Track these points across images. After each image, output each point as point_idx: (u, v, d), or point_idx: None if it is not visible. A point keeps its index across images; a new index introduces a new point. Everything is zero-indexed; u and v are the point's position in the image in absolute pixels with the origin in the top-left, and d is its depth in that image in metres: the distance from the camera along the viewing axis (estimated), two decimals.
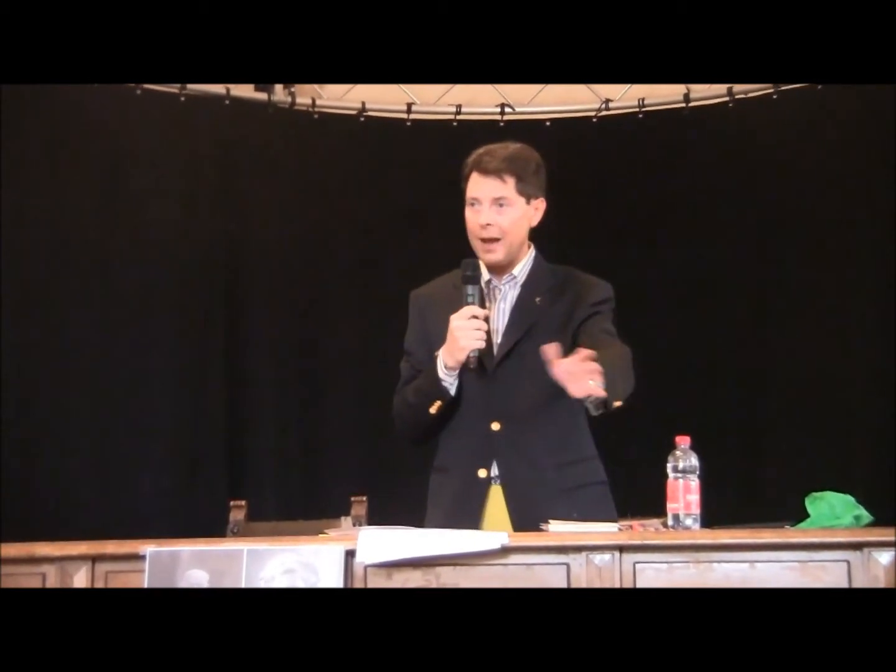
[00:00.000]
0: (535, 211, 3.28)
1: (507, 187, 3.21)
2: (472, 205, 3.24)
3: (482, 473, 3.17)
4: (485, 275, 3.27)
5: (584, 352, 2.91)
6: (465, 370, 3.18)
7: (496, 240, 3.21)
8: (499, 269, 3.28)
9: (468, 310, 3.12)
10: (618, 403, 3.00)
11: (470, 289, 3.16)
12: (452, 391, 3.17)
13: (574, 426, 3.24)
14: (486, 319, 3.15)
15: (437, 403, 3.18)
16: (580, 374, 2.88)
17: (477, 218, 3.22)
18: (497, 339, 3.24)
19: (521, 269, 3.29)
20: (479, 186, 3.22)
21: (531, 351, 3.11)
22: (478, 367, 3.17)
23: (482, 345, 3.11)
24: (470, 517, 3.08)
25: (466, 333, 3.10)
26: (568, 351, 3.11)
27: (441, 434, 3.27)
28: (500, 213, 3.21)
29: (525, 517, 3.02)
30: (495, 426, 3.18)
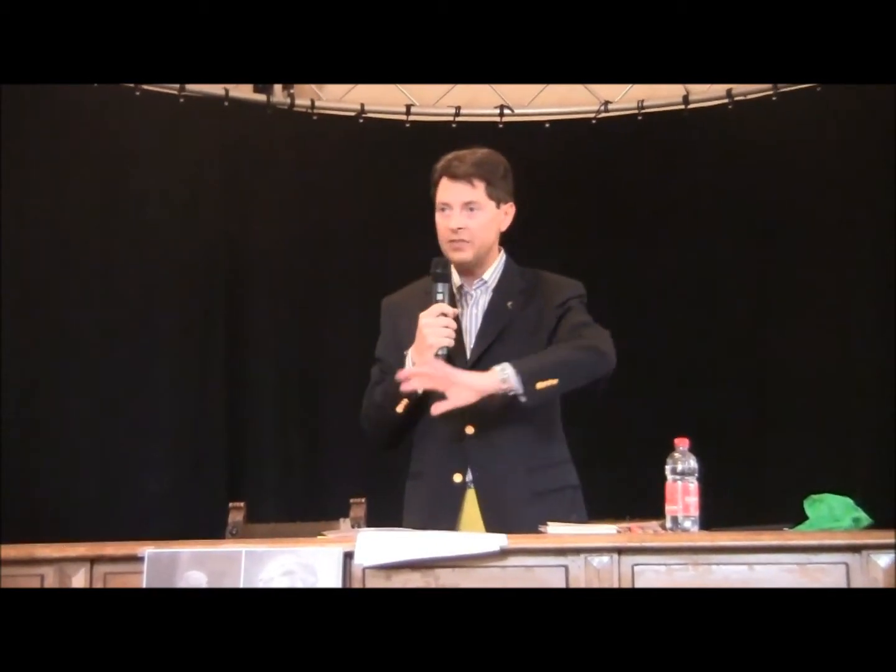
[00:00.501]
0: (504, 215, 3.29)
1: (476, 192, 3.22)
2: (443, 210, 3.25)
3: (457, 478, 3.18)
4: (456, 280, 3.28)
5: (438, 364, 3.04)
6: None
7: (465, 241, 3.22)
8: (469, 275, 3.29)
9: (437, 307, 3.12)
10: (545, 384, 3.03)
11: (440, 286, 3.15)
12: (420, 390, 3.16)
13: (547, 430, 3.25)
14: (456, 318, 3.15)
15: (404, 402, 3.17)
16: (451, 380, 3.02)
17: (447, 222, 3.23)
18: (470, 343, 3.24)
19: (492, 273, 3.30)
20: (449, 191, 3.24)
21: (504, 355, 3.12)
22: None
23: (450, 343, 3.10)
24: (446, 521, 3.07)
25: (435, 331, 3.09)
26: None
27: (415, 440, 3.28)
28: (471, 217, 3.22)
29: (497, 521, 3.02)
30: (469, 430, 3.18)
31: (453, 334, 3.11)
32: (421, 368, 3.07)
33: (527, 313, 3.25)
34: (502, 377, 3.03)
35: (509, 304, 3.27)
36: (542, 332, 3.21)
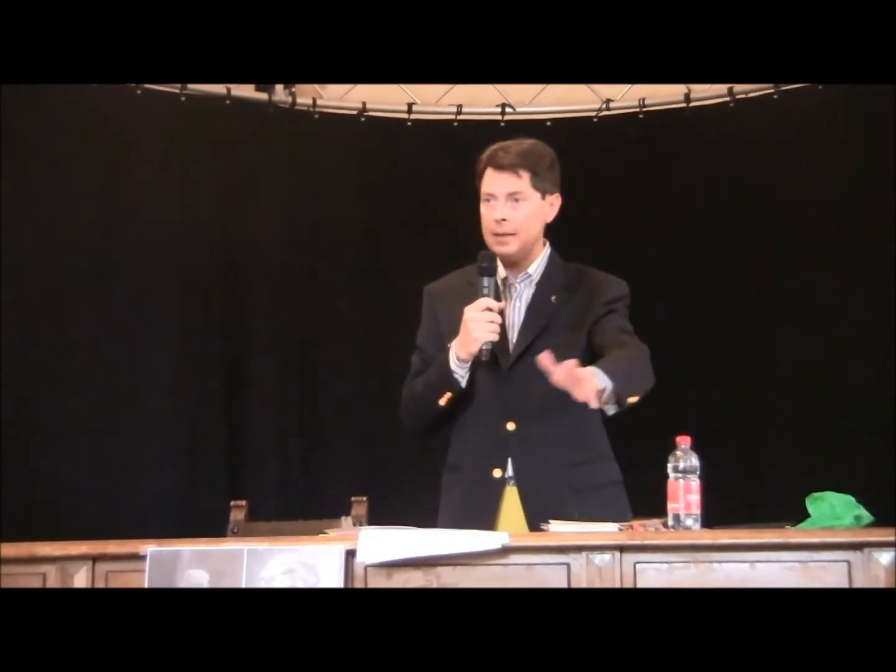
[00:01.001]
0: (550, 207, 3.29)
1: (522, 182, 3.22)
2: (488, 200, 3.23)
3: (497, 473, 3.17)
4: (501, 272, 3.26)
5: (572, 362, 2.90)
6: (479, 368, 3.17)
7: (510, 234, 3.20)
8: (514, 267, 3.28)
9: (483, 301, 3.11)
10: (632, 399, 3.02)
11: (486, 280, 3.14)
12: (463, 383, 3.16)
13: (589, 426, 3.24)
14: (501, 313, 3.14)
15: (447, 395, 3.17)
16: (578, 378, 2.88)
17: (492, 213, 3.21)
18: (513, 337, 3.23)
19: (536, 266, 3.29)
20: (494, 182, 3.22)
21: (546, 350, 3.06)
22: (493, 366, 3.17)
23: (495, 337, 3.10)
24: (484, 517, 3.08)
25: (480, 325, 3.08)
26: (583, 349, 3.12)
27: (454, 432, 3.26)
28: (516, 207, 3.21)
29: (540, 517, 2.99)
30: (510, 426, 3.18)
31: (498, 329, 3.10)
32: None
33: (570, 308, 3.25)
34: (600, 386, 2.92)
35: (553, 298, 3.26)
36: (583, 329, 3.20)
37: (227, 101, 5.35)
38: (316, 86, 5.56)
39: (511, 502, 3.16)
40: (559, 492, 3.13)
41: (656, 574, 2.61)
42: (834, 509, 2.72)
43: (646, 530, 2.80)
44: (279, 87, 5.48)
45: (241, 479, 5.15)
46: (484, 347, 3.09)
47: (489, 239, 3.23)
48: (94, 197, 5.16)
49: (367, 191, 5.44)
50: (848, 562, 2.57)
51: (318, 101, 5.52)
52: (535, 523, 3.01)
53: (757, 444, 5.18)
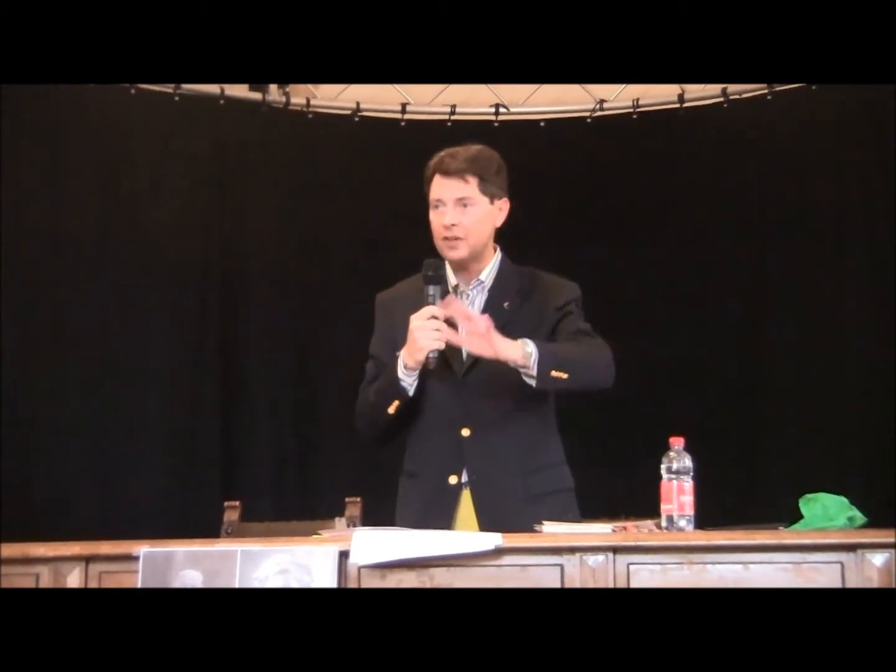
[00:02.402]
0: (499, 211, 3.28)
1: (469, 187, 3.22)
2: (437, 207, 3.24)
3: (453, 479, 3.17)
4: (452, 280, 3.27)
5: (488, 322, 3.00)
6: (433, 377, 3.17)
7: (460, 238, 3.21)
8: (465, 274, 3.28)
9: (428, 310, 3.10)
10: (558, 374, 3.03)
11: (431, 289, 3.14)
12: (411, 392, 3.15)
13: (543, 432, 3.25)
14: (448, 320, 3.13)
15: (395, 403, 3.16)
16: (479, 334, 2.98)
17: (441, 219, 3.22)
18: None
19: (488, 272, 3.29)
20: (442, 188, 3.23)
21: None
22: (447, 374, 3.18)
23: (441, 345, 3.09)
24: (440, 522, 3.06)
25: (425, 334, 3.07)
26: None
27: (409, 439, 3.27)
28: (464, 213, 3.21)
29: (493, 523, 2.99)
30: (465, 432, 3.18)
31: (444, 337, 3.09)
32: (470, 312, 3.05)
33: (524, 314, 3.24)
34: (526, 351, 3.01)
35: (506, 304, 3.25)
36: (541, 334, 3.19)
37: (221, 101, 5.35)
38: (310, 86, 5.57)
39: (467, 508, 3.16)
40: (513, 497, 3.14)
41: (650, 575, 2.61)
42: (827, 510, 2.73)
43: (639, 531, 2.80)
44: (273, 87, 5.49)
45: (235, 480, 5.16)
46: (430, 356, 3.08)
47: (439, 244, 3.24)
48: (91, 196, 5.16)
49: (361, 190, 5.44)
50: (841, 563, 2.57)
51: (312, 102, 5.53)
52: (487, 529, 2.98)
53: (750, 446, 5.19)
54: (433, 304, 3.12)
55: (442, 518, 3.11)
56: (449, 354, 3.16)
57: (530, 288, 3.29)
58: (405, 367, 3.13)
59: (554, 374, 3.04)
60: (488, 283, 3.29)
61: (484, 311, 3.24)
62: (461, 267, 3.28)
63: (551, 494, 3.21)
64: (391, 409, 3.17)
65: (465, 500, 3.17)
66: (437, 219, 3.24)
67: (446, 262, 3.27)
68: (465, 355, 3.21)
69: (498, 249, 3.33)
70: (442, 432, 3.20)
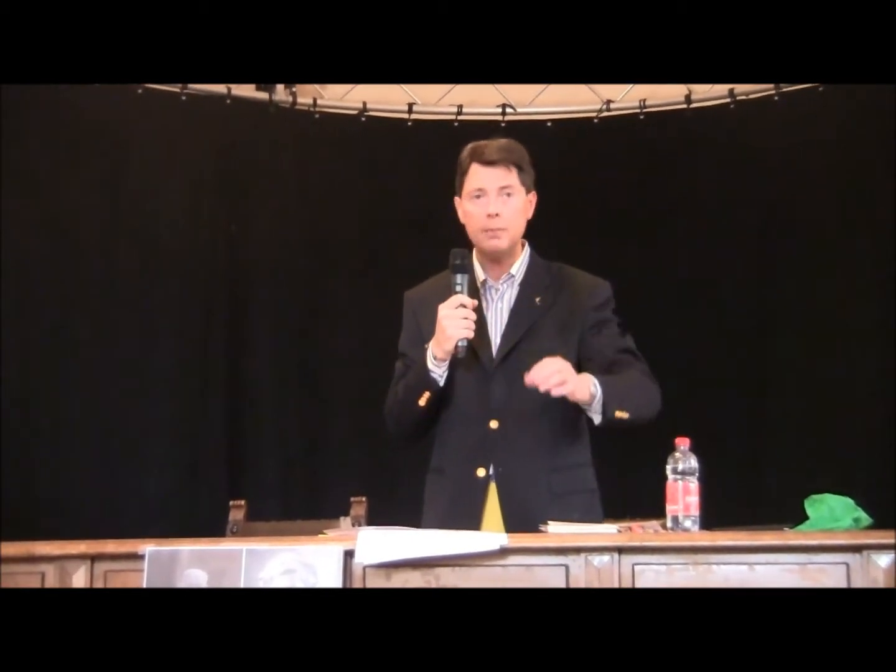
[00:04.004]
0: (529, 204, 3.26)
1: (511, 176, 3.19)
2: (478, 197, 3.19)
3: (481, 472, 3.15)
4: (480, 275, 3.25)
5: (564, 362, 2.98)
6: (462, 371, 3.15)
7: (503, 228, 3.18)
8: (496, 267, 3.25)
9: (456, 299, 3.08)
10: (621, 414, 3.03)
11: (459, 278, 3.11)
12: (441, 382, 3.13)
13: (571, 431, 3.22)
14: (478, 311, 3.12)
15: (426, 395, 3.14)
16: (549, 372, 2.94)
17: (484, 208, 3.17)
18: (496, 338, 3.20)
19: (519, 267, 3.26)
20: (484, 177, 3.18)
21: (532, 351, 3.10)
22: (476, 368, 3.15)
23: (471, 334, 3.06)
24: (469, 515, 3.06)
25: (454, 323, 3.05)
26: (573, 354, 3.12)
27: (436, 435, 3.25)
28: (506, 202, 3.18)
29: (517, 518, 3.02)
30: (493, 424, 3.16)
31: (473, 326, 3.06)
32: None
33: (555, 310, 3.22)
34: (593, 391, 3.00)
35: (537, 299, 3.23)
36: (573, 333, 3.19)
37: (228, 101, 5.36)
38: (317, 86, 5.57)
39: (495, 503, 3.14)
40: (537, 494, 3.12)
41: (655, 575, 2.61)
42: (833, 511, 2.72)
43: (644, 532, 2.80)
44: (280, 87, 5.49)
45: (240, 479, 5.16)
46: (460, 345, 3.06)
47: (479, 236, 3.20)
48: (95, 197, 5.17)
49: (368, 191, 5.45)
50: (846, 564, 2.57)
51: (319, 102, 5.53)
52: (512, 524, 3.02)
53: (756, 447, 5.18)
54: (461, 292, 3.09)
55: (470, 511, 3.10)
56: (478, 345, 3.14)
57: (561, 284, 3.26)
58: (435, 357, 3.11)
59: (618, 414, 3.05)
60: (519, 276, 3.26)
61: (515, 305, 3.23)
62: (493, 260, 3.25)
63: (575, 494, 3.18)
64: (422, 402, 3.15)
65: (493, 494, 3.15)
66: (478, 209, 3.19)
67: (473, 256, 3.25)
68: (495, 350, 3.19)
69: (526, 244, 3.31)
70: (470, 424, 3.17)
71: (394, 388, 3.28)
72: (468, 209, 3.22)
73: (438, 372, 3.13)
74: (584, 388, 3.00)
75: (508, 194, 3.19)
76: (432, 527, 2.99)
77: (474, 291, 3.18)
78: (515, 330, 3.20)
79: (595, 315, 3.23)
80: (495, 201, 3.17)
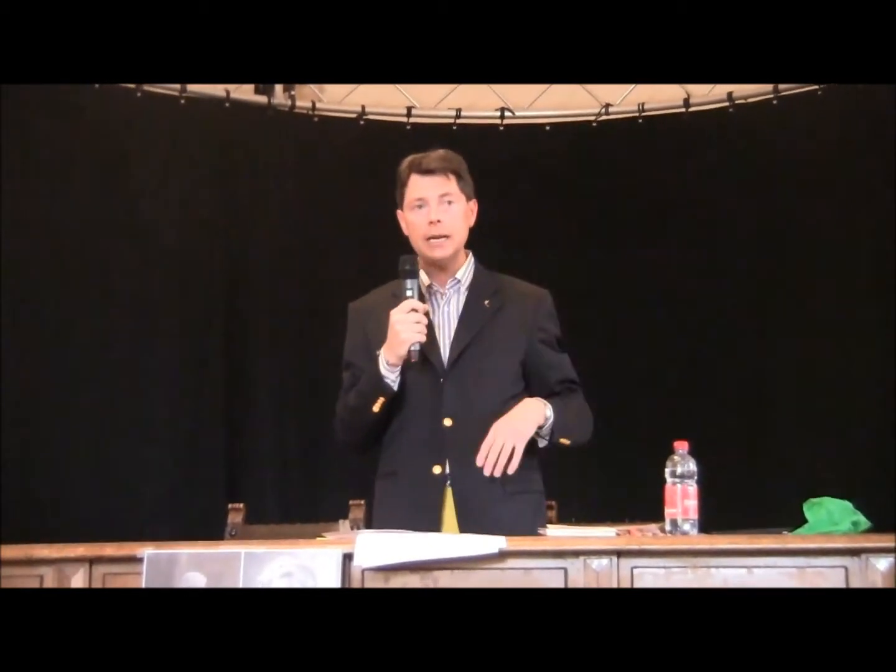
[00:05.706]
0: (471, 212, 3.29)
1: (451, 184, 3.23)
2: (419, 206, 3.22)
3: (436, 469, 3.15)
4: (424, 280, 3.27)
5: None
6: (412, 376, 3.17)
7: (446, 236, 3.21)
8: (441, 273, 3.28)
9: (408, 303, 3.11)
10: (564, 441, 3.16)
11: (409, 283, 3.14)
12: (395, 387, 3.15)
13: None
14: (427, 315, 3.14)
15: (381, 400, 3.15)
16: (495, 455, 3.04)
17: (426, 217, 3.20)
18: (444, 342, 3.23)
19: (464, 272, 3.29)
20: (423, 186, 3.22)
21: (482, 353, 3.17)
22: (427, 373, 3.17)
23: (423, 338, 3.10)
24: (427, 519, 3.05)
25: (407, 326, 3.08)
26: (520, 358, 3.21)
27: (385, 441, 3.25)
28: (448, 210, 3.22)
29: (469, 518, 3.03)
30: (447, 422, 3.17)
31: (425, 329, 3.10)
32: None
33: (503, 314, 3.25)
34: (546, 414, 3.12)
35: (486, 302, 3.26)
36: (521, 338, 3.23)
37: (227, 104, 5.36)
38: (315, 89, 5.57)
39: (451, 501, 3.15)
40: (492, 493, 3.11)
41: (653, 579, 2.61)
42: (831, 515, 2.72)
43: (643, 535, 2.79)
44: (278, 90, 5.49)
45: (239, 483, 5.16)
46: (412, 349, 3.09)
47: (421, 245, 3.23)
48: (94, 197, 5.16)
49: (366, 193, 5.44)
50: (845, 567, 2.57)
51: (318, 104, 5.53)
52: (464, 521, 3.05)
53: (755, 450, 5.19)
54: (412, 297, 3.13)
55: (428, 512, 3.11)
56: (428, 350, 3.16)
57: (506, 290, 3.31)
58: (388, 363, 3.14)
59: (562, 440, 3.16)
60: (465, 282, 3.29)
61: (465, 307, 3.26)
62: (439, 267, 3.27)
63: (525, 494, 3.20)
64: (376, 408, 3.17)
65: (450, 495, 3.16)
66: (419, 218, 3.23)
67: (418, 262, 3.27)
68: (445, 354, 3.21)
69: (469, 252, 3.34)
70: (423, 424, 3.18)
71: (343, 398, 3.30)
72: (410, 219, 3.25)
73: (392, 377, 3.15)
74: (537, 418, 3.11)
75: (449, 202, 3.22)
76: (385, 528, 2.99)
77: (420, 297, 3.20)
78: (467, 332, 3.23)
79: (543, 325, 3.28)
80: (436, 209, 3.21)
